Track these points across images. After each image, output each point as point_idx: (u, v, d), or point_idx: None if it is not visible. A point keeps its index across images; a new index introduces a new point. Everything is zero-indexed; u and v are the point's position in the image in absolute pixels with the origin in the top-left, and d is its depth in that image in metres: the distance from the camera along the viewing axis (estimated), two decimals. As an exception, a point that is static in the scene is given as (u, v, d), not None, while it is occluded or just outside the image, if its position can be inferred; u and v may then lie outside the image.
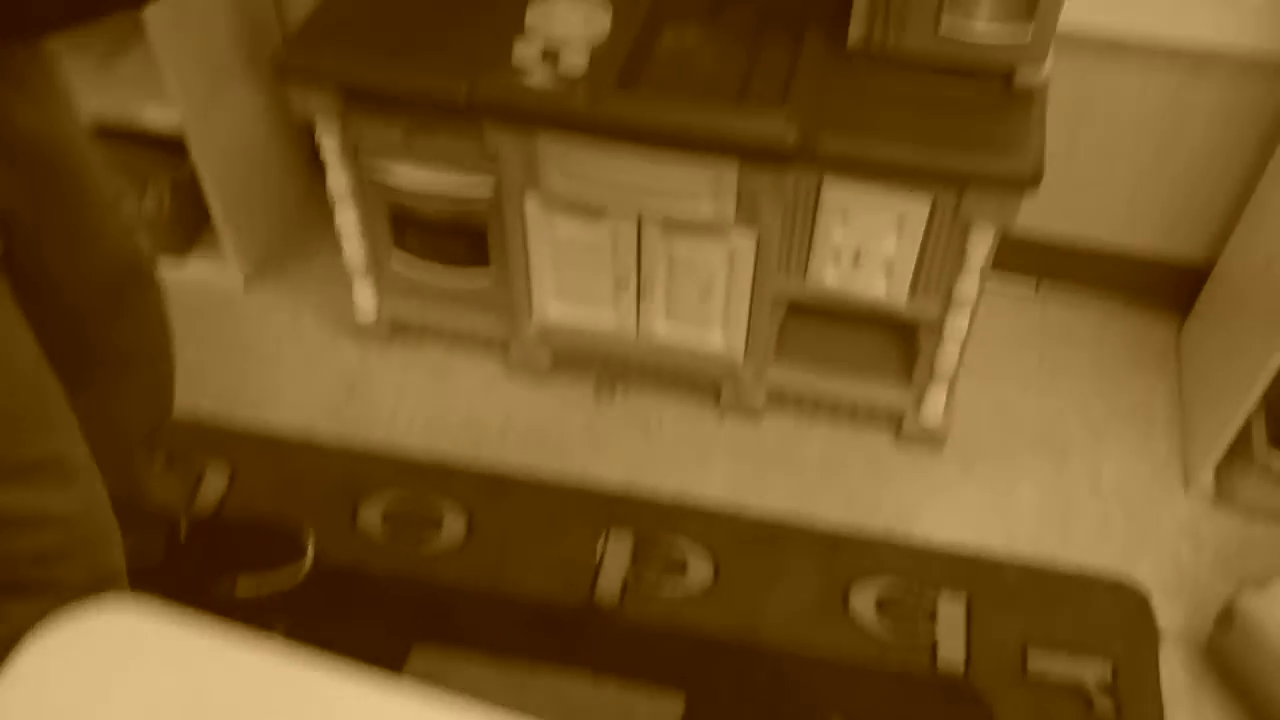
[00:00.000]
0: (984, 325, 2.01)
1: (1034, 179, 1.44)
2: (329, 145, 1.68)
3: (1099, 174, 1.95)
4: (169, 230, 2.05)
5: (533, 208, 1.66)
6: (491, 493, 1.78)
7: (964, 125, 1.50)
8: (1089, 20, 1.72)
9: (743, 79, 1.61)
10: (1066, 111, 1.85)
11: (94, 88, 1.85)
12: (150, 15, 1.67)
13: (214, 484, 1.76)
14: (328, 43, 1.60)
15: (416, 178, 1.69)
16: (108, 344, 1.25)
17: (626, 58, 1.56)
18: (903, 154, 1.47)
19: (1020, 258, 2.09)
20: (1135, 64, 1.79)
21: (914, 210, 1.53)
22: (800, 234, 1.61)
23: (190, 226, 2.09)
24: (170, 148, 1.91)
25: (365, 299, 1.93)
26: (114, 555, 1.16)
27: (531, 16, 1.60)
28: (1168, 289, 2.08)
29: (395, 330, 2.00)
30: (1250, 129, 1.82)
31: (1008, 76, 1.54)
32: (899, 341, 1.87)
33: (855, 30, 1.57)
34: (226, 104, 1.91)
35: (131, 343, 1.30)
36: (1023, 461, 1.85)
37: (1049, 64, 1.53)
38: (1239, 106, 1.80)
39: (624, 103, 1.50)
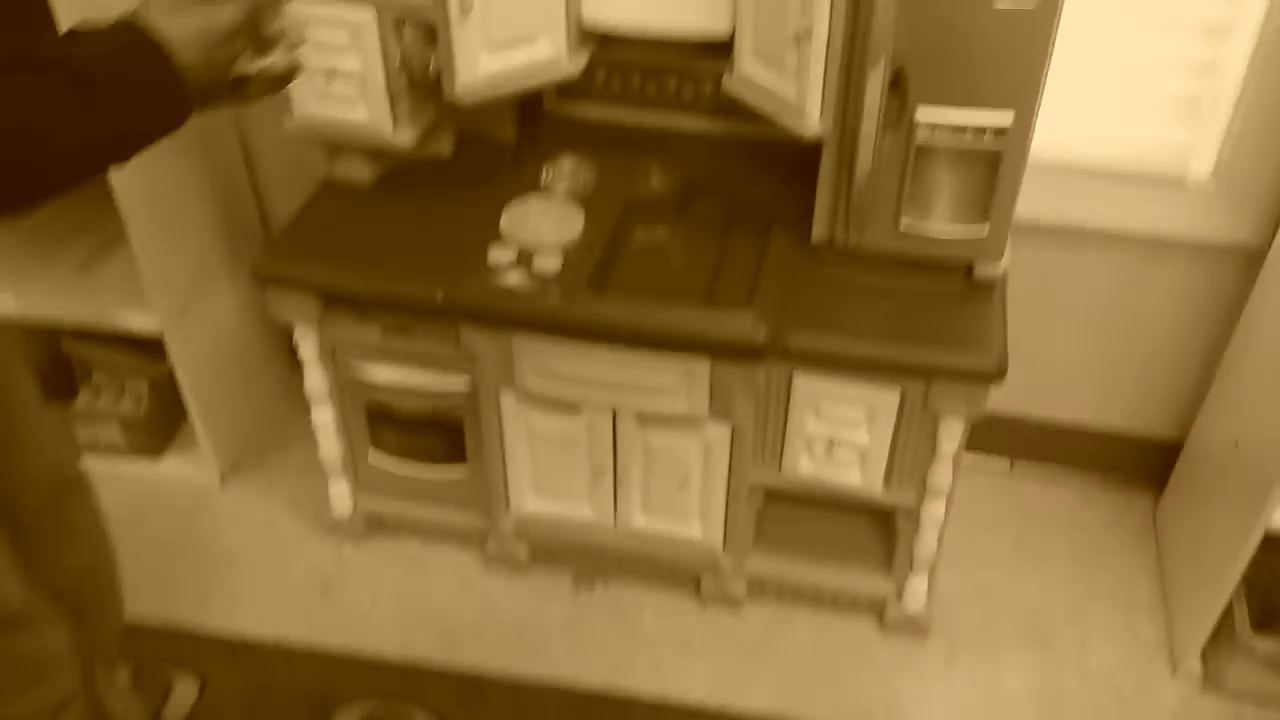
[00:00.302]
0: (962, 506, 2.00)
1: (998, 373, 1.47)
2: (307, 347, 1.70)
3: (1065, 354, 1.99)
4: (146, 430, 2.05)
5: (508, 404, 1.68)
6: (468, 698, 1.73)
7: (928, 317, 1.54)
8: (1044, 211, 1.79)
9: (712, 276, 1.65)
10: (1029, 294, 1.91)
11: (72, 295, 1.88)
12: (133, 221, 1.72)
13: (183, 697, 1.71)
14: (306, 249, 1.65)
15: (393, 376, 1.71)
16: (46, 558, 1.22)
17: (599, 259, 1.61)
18: (869, 350, 1.50)
19: (993, 437, 2.11)
20: (1092, 249, 1.86)
21: (883, 402, 1.56)
22: (774, 425, 1.63)
23: (167, 425, 2.09)
24: (148, 346, 1.93)
25: (340, 495, 1.93)
26: None
27: (506, 221, 1.65)
28: (1141, 465, 2.09)
29: (371, 525, 1.98)
30: (1208, 309, 1.88)
31: (968, 268, 1.59)
32: (878, 526, 1.86)
33: (818, 229, 1.63)
34: (206, 305, 1.95)
35: (72, 556, 1.27)
36: (1009, 649, 1.82)
37: (1007, 256, 1.58)
38: (1195, 288, 1.86)
39: (596, 304, 1.54)
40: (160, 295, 1.81)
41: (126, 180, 1.68)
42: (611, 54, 1.74)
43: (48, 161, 0.85)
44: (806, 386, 1.56)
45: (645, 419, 1.64)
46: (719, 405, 1.59)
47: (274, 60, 1.01)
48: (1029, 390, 2.04)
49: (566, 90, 1.81)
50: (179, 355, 1.89)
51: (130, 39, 0.89)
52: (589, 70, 1.77)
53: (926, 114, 1.44)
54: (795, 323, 1.52)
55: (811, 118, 1.49)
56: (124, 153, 0.91)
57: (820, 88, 1.47)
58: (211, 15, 0.93)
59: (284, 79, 1.03)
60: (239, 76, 0.98)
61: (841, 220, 1.58)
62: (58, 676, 1.18)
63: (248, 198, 2.06)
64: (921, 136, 1.46)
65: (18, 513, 1.16)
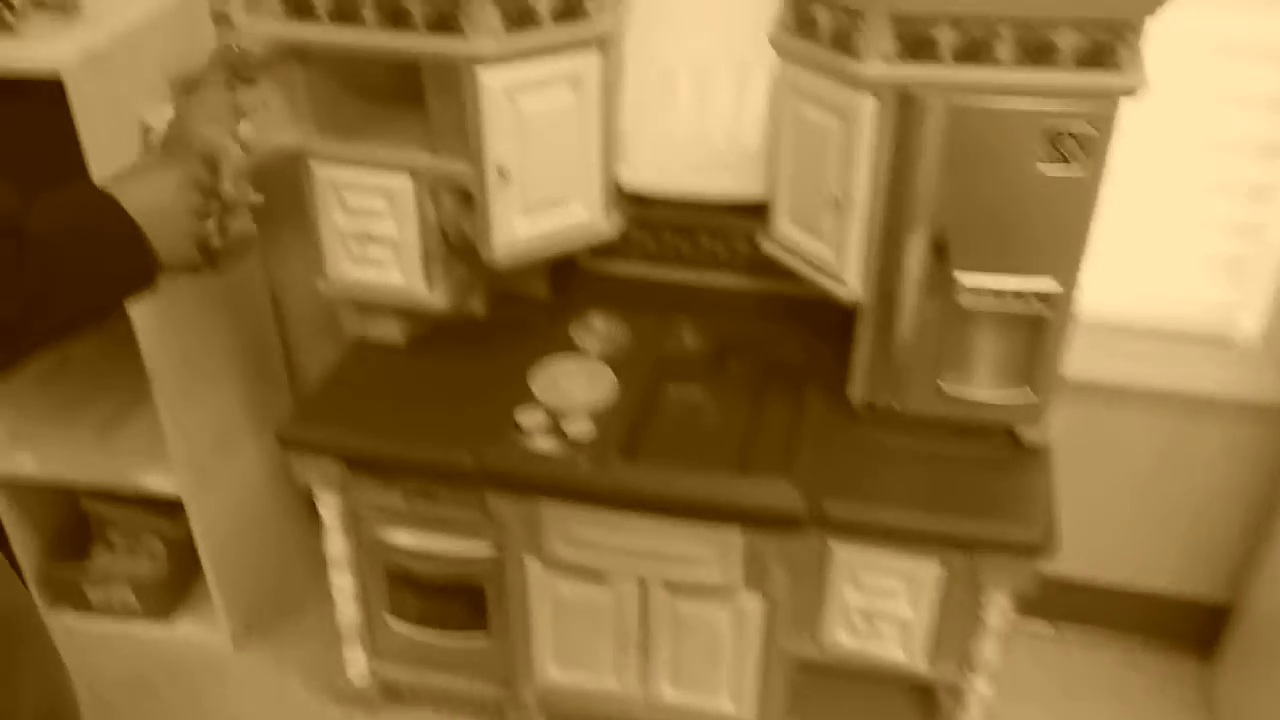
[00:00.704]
0: (1005, 671, 1.91)
1: (1047, 546, 1.41)
2: (329, 512, 1.65)
3: (1109, 514, 1.93)
4: (159, 591, 1.98)
5: (534, 571, 1.62)
6: None
7: (972, 484, 1.49)
8: (1088, 369, 1.75)
9: (746, 440, 1.61)
10: (1073, 453, 1.85)
11: (92, 456, 1.85)
12: (158, 381, 1.69)
13: None
14: (332, 413, 1.61)
15: (415, 540, 1.65)
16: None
17: (630, 422, 1.57)
18: (910, 520, 1.44)
19: (1037, 598, 2.02)
20: (1137, 408, 1.81)
21: (926, 573, 1.49)
22: (810, 595, 1.56)
23: (180, 586, 2.03)
24: (166, 504, 1.88)
25: (356, 662, 1.84)
26: None
27: (536, 382, 1.62)
28: (1189, 629, 2.00)
29: (387, 694, 1.89)
30: (1257, 469, 1.82)
31: (1012, 432, 1.55)
32: (920, 699, 1.77)
33: (856, 390, 1.59)
34: (228, 466, 1.91)
35: (26, 699, 1.18)
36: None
37: (1052, 420, 1.53)
38: (1243, 448, 1.80)
39: (628, 472, 1.49)
40: (182, 457, 1.77)
41: (153, 338, 1.66)
42: (646, 213, 1.73)
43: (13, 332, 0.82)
44: (845, 556, 1.50)
45: (676, 588, 1.58)
46: (753, 575, 1.53)
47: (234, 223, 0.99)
48: (1072, 550, 1.97)
49: (600, 248, 1.80)
50: (198, 517, 1.84)
51: (90, 199, 0.88)
52: (623, 227, 1.77)
53: (969, 279, 1.42)
54: (833, 490, 1.46)
55: (850, 282, 1.47)
56: (87, 317, 0.88)
57: (859, 253, 1.45)
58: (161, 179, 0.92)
59: (244, 242, 1.01)
60: (205, 244, 0.96)
61: (881, 382, 1.54)
62: None
63: (276, 355, 2.04)
64: (964, 301, 1.43)
65: None
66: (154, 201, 0.90)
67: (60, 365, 2.00)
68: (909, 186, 1.37)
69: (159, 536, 1.97)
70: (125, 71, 1.47)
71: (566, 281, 1.83)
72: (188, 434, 1.77)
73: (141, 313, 1.62)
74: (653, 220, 1.76)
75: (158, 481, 1.80)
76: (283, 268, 1.96)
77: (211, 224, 0.96)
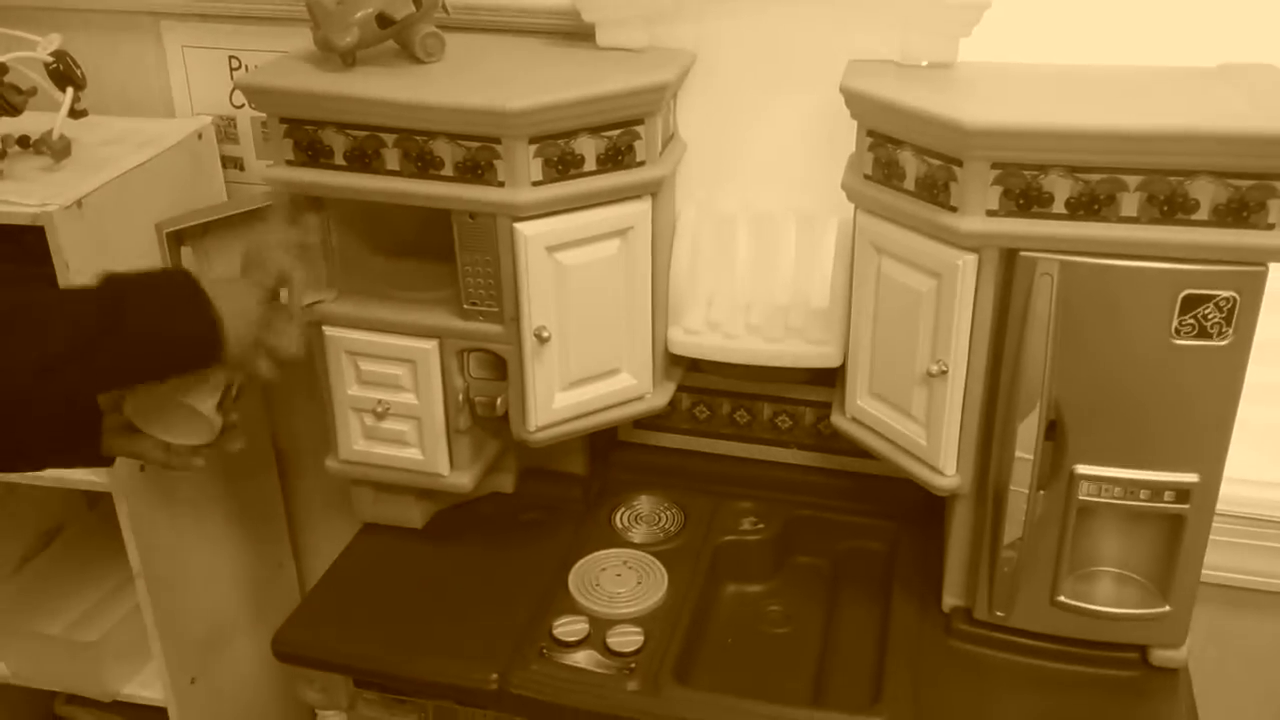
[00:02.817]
0: None
1: (1208, 801, 1.14)
2: (332, 738, 1.41)
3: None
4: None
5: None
6: None
7: (1099, 717, 1.23)
8: (1224, 567, 1.50)
9: (821, 654, 1.36)
10: (1208, 665, 1.58)
11: (67, 659, 1.62)
12: (144, 572, 1.48)
13: None
14: (337, 620, 1.38)
15: (431, 773, 1.40)
16: None
17: (685, 632, 1.33)
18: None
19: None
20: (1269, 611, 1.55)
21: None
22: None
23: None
24: (150, 713, 1.65)
25: None
26: None
27: (576, 582, 1.39)
28: None
29: None
30: None
31: (1142, 649, 1.29)
32: None
33: (951, 596, 1.35)
34: (221, 670, 1.68)
35: None
36: None
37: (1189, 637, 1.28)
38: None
39: (684, 700, 1.24)
40: (169, 662, 1.54)
41: (139, 519, 1.46)
42: (699, 380, 1.53)
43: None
44: (954, 812, 1.23)
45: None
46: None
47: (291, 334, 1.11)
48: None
49: (645, 419, 1.59)
50: (186, 729, 1.60)
51: (168, 274, 1.06)
52: (673, 398, 1.56)
53: (1090, 469, 1.19)
54: (934, 723, 1.21)
55: (947, 471, 1.25)
56: (146, 372, 0.99)
57: (957, 436, 1.23)
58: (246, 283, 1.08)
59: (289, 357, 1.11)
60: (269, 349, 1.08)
61: (984, 588, 1.30)
62: None
63: (281, 537, 1.83)
64: (1085, 494, 1.20)
65: None
66: (233, 303, 1.02)
67: (39, 550, 1.80)
68: (1017, 359, 1.16)
69: (142, 744, 1.73)
70: (114, 219, 1.31)
71: (607, 455, 1.62)
72: (175, 634, 1.55)
73: (126, 489, 1.43)
74: (707, 387, 1.56)
75: (139, 689, 1.58)
76: (290, 440, 1.77)
77: (274, 335, 1.08)
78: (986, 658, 1.31)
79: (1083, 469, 1.19)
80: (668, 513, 1.53)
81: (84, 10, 1.47)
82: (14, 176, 1.29)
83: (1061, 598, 1.27)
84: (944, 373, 1.20)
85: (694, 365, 1.49)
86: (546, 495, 1.58)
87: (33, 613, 1.70)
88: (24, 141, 1.33)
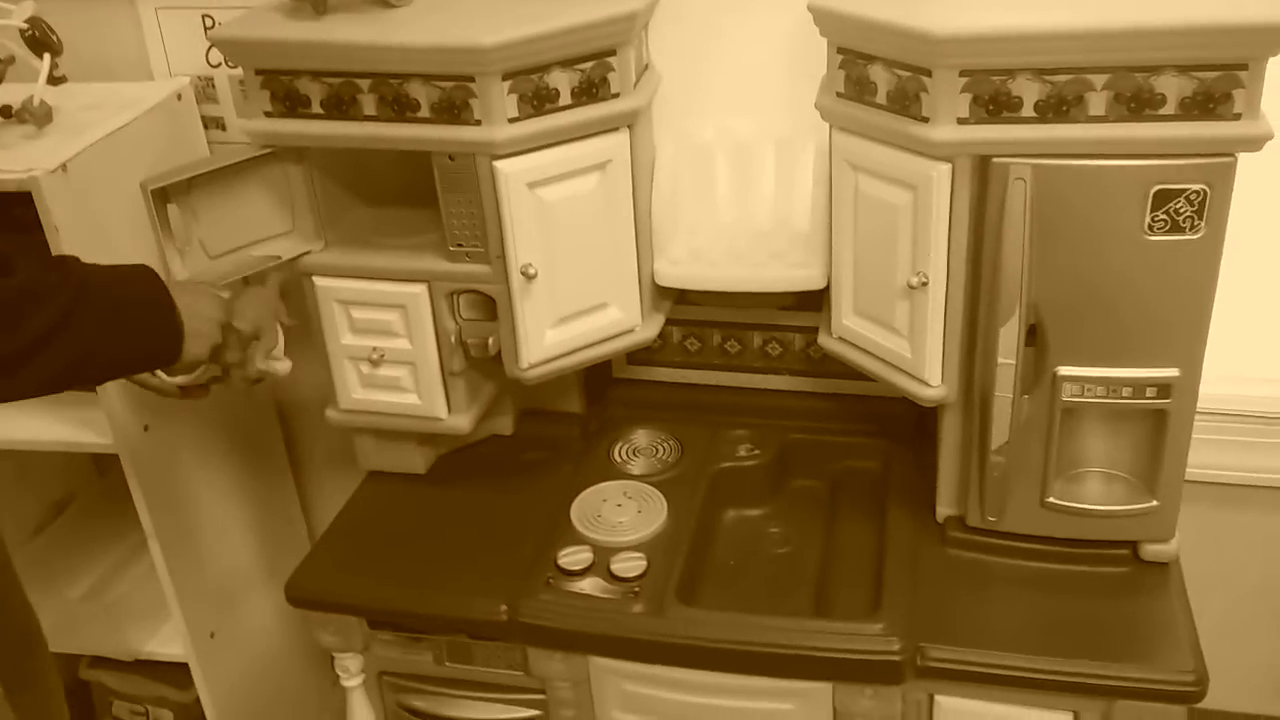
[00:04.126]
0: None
1: (1198, 688, 1.17)
2: (351, 679, 1.45)
3: (1240, 635, 1.68)
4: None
5: (587, 736, 1.39)
6: None
7: (1094, 614, 1.26)
8: (1207, 465, 1.53)
9: (822, 570, 1.40)
10: (1193, 564, 1.61)
11: (87, 622, 1.66)
12: (156, 533, 1.51)
13: None
14: (348, 562, 1.42)
15: (451, 710, 1.43)
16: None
17: (686, 556, 1.36)
18: (1030, 663, 1.21)
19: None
20: (1268, 508, 1.57)
21: (1052, 723, 1.25)
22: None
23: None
24: (174, 669, 1.68)
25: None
26: None
27: (578, 513, 1.42)
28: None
29: None
30: None
31: (1133, 547, 1.32)
32: None
33: (944, 506, 1.38)
34: (238, 624, 1.71)
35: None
36: None
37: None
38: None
39: (689, 619, 1.27)
40: (187, 618, 1.57)
41: (149, 484, 1.48)
42: (688, 313, 1.56)
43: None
44: (955, 710, 1.26)
45: (754, 750, 1.34)
46: (844, 734, 1.30)
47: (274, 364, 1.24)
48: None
49: (639, 354, 1.62)
50: (206, 683, 1.63)
51: (136, 270, 1.04)
52: (663, 332, 1.58)
53: (1072, 370, 1.22)
54: (933, 631, 1.24)
55: (932, 381, 1.27)
56: (102, 368, 1.04)
57: (941, 346, 1.25)
58: (223, 305, 1.12)
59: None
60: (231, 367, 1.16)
61: (975, 495, 1.33)
62: None
63: (289, 492, 1.86)
64: (1068, 395, 1.23)
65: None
66: (192, 304, 1.07)
67: (51, 520, 1.83)
68: (995, 265, 1.18)
69: (167, 706, 1.77)
70: (100, 183, 1.32)
71: (603, 392, 1.64)
72: (191, 592, 1.58)
73: (134, 455, 1.45)
74: (696, 319, 1.58)
75: (160, 647, 1.61)
76: (292, 394, 1.79)
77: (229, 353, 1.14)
78: (981, 563, 1.34)
79: (1065, 370, 1.21)
80: (665, 444, 1.56)
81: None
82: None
83: (1051, 499, 1.29)
84: (924, 284, 1.21)
85: (682, 297, 1.51)
86: (545, 435, 1.60)
87: (50, 580, 1.73)
88: (5, 111, 1.34)
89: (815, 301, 1.43)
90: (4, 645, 1.25)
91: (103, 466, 1.86)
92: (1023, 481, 1.29)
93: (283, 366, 1.24)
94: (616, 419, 1.61)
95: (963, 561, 1.34)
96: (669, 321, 1.55)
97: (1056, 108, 1.11)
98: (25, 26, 1.24)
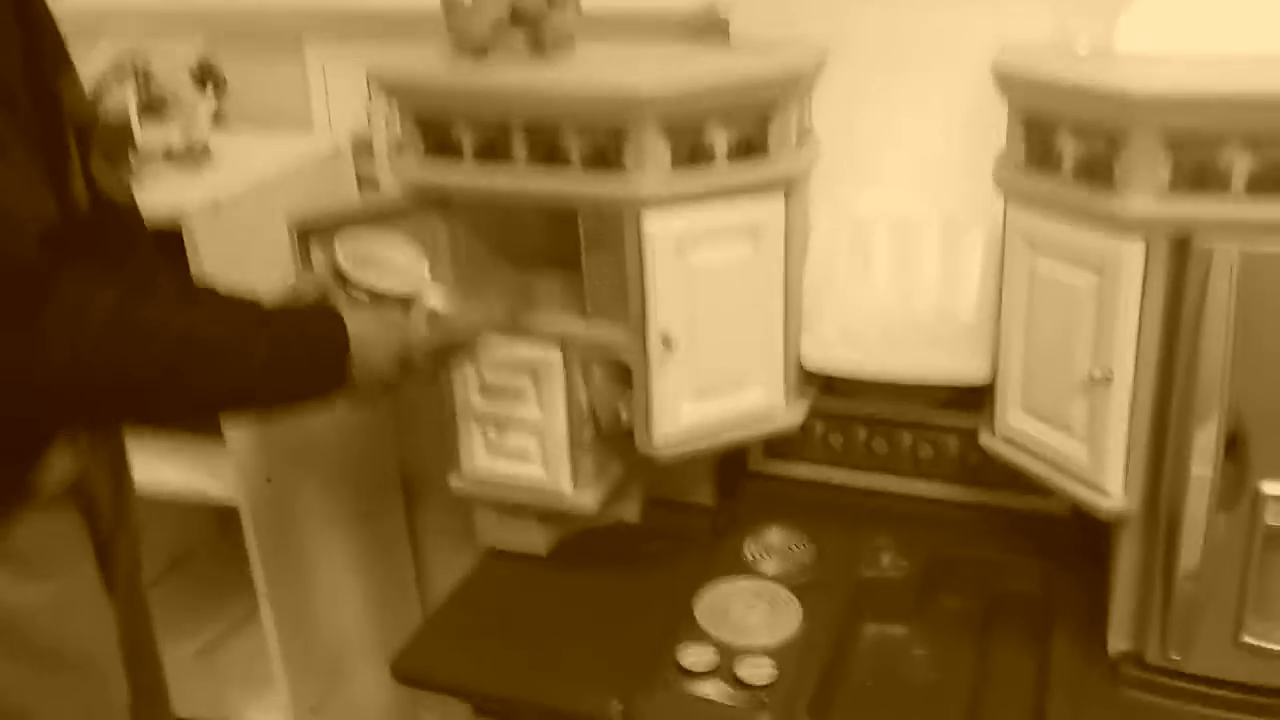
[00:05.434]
0: None
1: None
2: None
3: None
4: None
5: None
6: None
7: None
8: None
9: (972, 704, 1.24)
10: None
11: (192, 682, 1.61)
12: (271, 592, 1.47)
13: None
14: (458, 643, 1.33)
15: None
16: None
17: (822, 669, 1.23)
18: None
19: None
20: None
21: None
22: None
23: None
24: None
25: None
26: None
27: (703, 610, 1.31)
28: None
29: None
30: None
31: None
32: None
33: (1117, 639, 1.21)
34: (346, 699, 1.64)
35: None
36: None
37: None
38: None
39: (823, 735, 1.14)
40: (292, 688, 1.51)
41: (266, 543, 1.45)
42: (834, 405, 1.45)
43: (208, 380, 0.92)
44: None
45: None
46: None
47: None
48: None
49: (777, 446, 1.52)
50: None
51: (318, 310, 1.07)
52: (805, 424, 1.48)
53: (1278, 490, 1.06)
54: (1102, 776, 1.07)
55: (1112, 491, 1.13)
56: (268, 401, 1.02)
57: (1124, 452, 1.11)
58: (401, 337, 1.07)
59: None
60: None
61: (1155, 629, 1.16)
62: None
63: (407, 567, 1.80)
64: (1272, 519, 1.07)
65: None
66: (367, 335, 1.03)
67: (166, 577, 1.81)
68: (1191, 362, 1.04)
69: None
70: (248, 224, 1.33)
71: (736, 486, 1.54)
72: (299, 657, 1.52)
73: (254, 507, 1.42)
74: (841, 413, 1.47)
75: (262, 715, 1.55)
76: (416, 461, 1.75)
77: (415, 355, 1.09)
78: (1161, 708, 1.16)
79: (1270, 488, 1.06)
80: (800, 546, 1.44)
81: (229, 22, 1.52)
82: (155, 178, 1.32)
83: (1247, 638, 1.12)
84: (1108, 379, 1.09)
85: (828, 386, 1.41)
86: (673, 525, 1.50)
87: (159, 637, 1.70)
88: (165, 148, 1.37)
89: (976, 400, 1.31)
90: (138, 695, 1.18)
91: (223, 524, 1.84)
92: (1213, 616, 1.12)
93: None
94: (750, 514, 1.50)
95: (1139, 705, 1.17)
96: (812, 414, 1.45)
97: (1270, 182, 0.99)
98: (194, 67, 1.27)
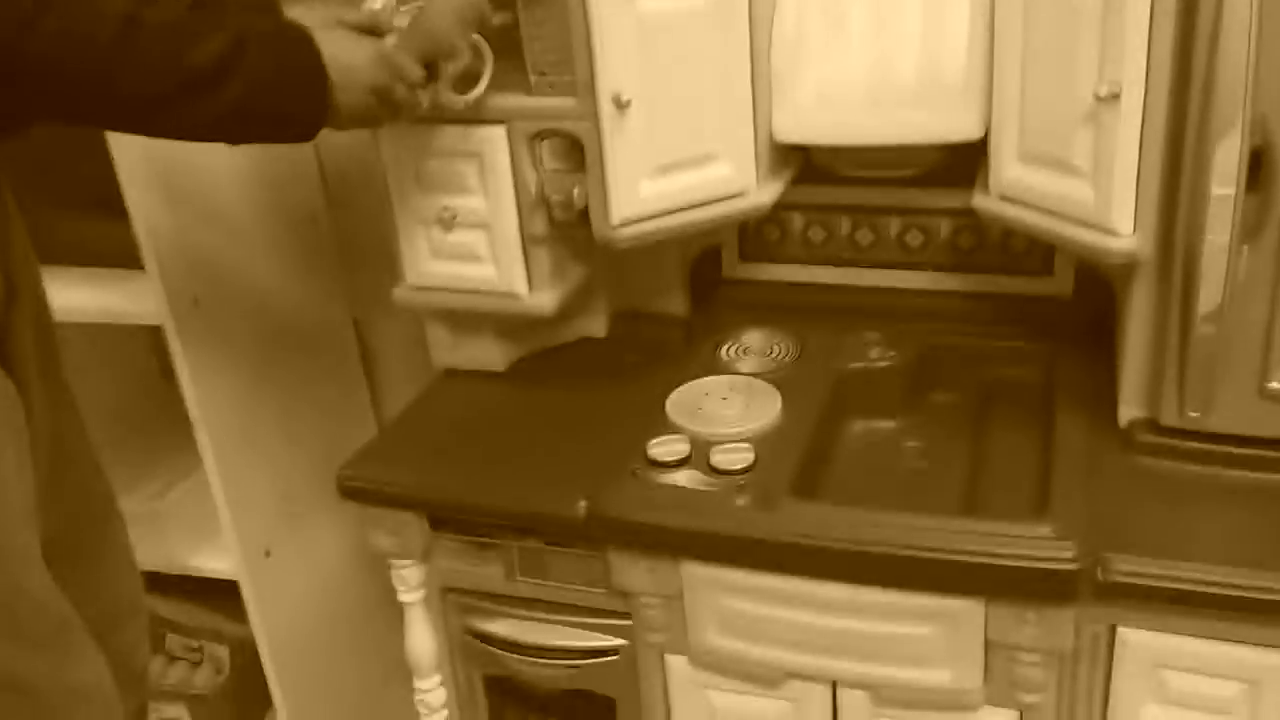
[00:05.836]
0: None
1: None
2: (409, 593, 1.25)
3: None
4: (220, 710, 1.60)
5: (679, 672, 1.16)
6: None
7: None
8: None
9: (970, 478, 1.14)
10: None
11: (138, 532, 1.52)
12: (213, 442, 1.36)
13: None
14: (410, 456, 1.23)
15: (521, 632, 1.23)
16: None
17: (804, 452, 1.12)
18: (1248, 583, 0.93)
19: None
20: None
21: (1272, 670, 0.96)
22: (1087, 709, 1.05)
23: (249, 704, 1.64)
24: (232, 599, 1.52)
25: (451, 800, 1.40)
26: None
27: (675, 405, 1.20)
28: None
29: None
30: None
31: (1380, 457, 1.03)
32: None
33: (1129, 405, 1.11)
34: (296, 544, 1.54)
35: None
36: None
37: None
38: None
39: (805, 514, 1.03)
40: (239, 531, 1.41)
41: (209, 395, 1.34)
42: (812, 194, 1.33)
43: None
44: (1142, 645, 0.99)
45: (884, 697, 1.09)
46: (999, 676, 1.03)
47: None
48: None
49: (752, 248, 1.40)
50: (259, 609, 1.47)
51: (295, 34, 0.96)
52: (782, 219, 1.37)
53: (1311, 209, 0.95)
54: (1116, 541, 0.97)
55: (1120, 228, 1.01)
56: (248, 128, 0.96)
57: (1134, 181, 1.00)
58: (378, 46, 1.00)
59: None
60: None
61: (1171, 387, 1.06)
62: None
63: (362, 400, 1.70)
64: (1305, 246, 0.96)
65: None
66: (347, 60, 0.97)
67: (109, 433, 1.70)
68: (1209, 68, 0.92)
69: (222, 637, 1.61)
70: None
71: (710, 292, 1.43)
72: (245, 499, 1.42)
73: (181, 334, 1.30)
74: (822, 202, 1.35)
75: (210, 561, 1.45)
76: (371, 306, 1.63)
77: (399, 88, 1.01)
78: (1179, 472, 1.07)
79: (1302, 210, 0.95)
80: (781, 344, 1.33)
81: None
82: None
83: (1274, 384, 1.01)
84: (1115, 95, 0.97)
85: (806, 172, 1.29)
86: (642, 337, 1.39)
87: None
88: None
89: (967, 173, 1.19)
90: (70, 512, 1.12)
91: (166, 368, 1.73)
92: (1236, 364, 1.02)
93: (461, 99, 1.08)
94: (726, 323, 1.39)
95: (1155, 471, 1.07)
96: (789, 207, 1.34)
97: None
98: None
